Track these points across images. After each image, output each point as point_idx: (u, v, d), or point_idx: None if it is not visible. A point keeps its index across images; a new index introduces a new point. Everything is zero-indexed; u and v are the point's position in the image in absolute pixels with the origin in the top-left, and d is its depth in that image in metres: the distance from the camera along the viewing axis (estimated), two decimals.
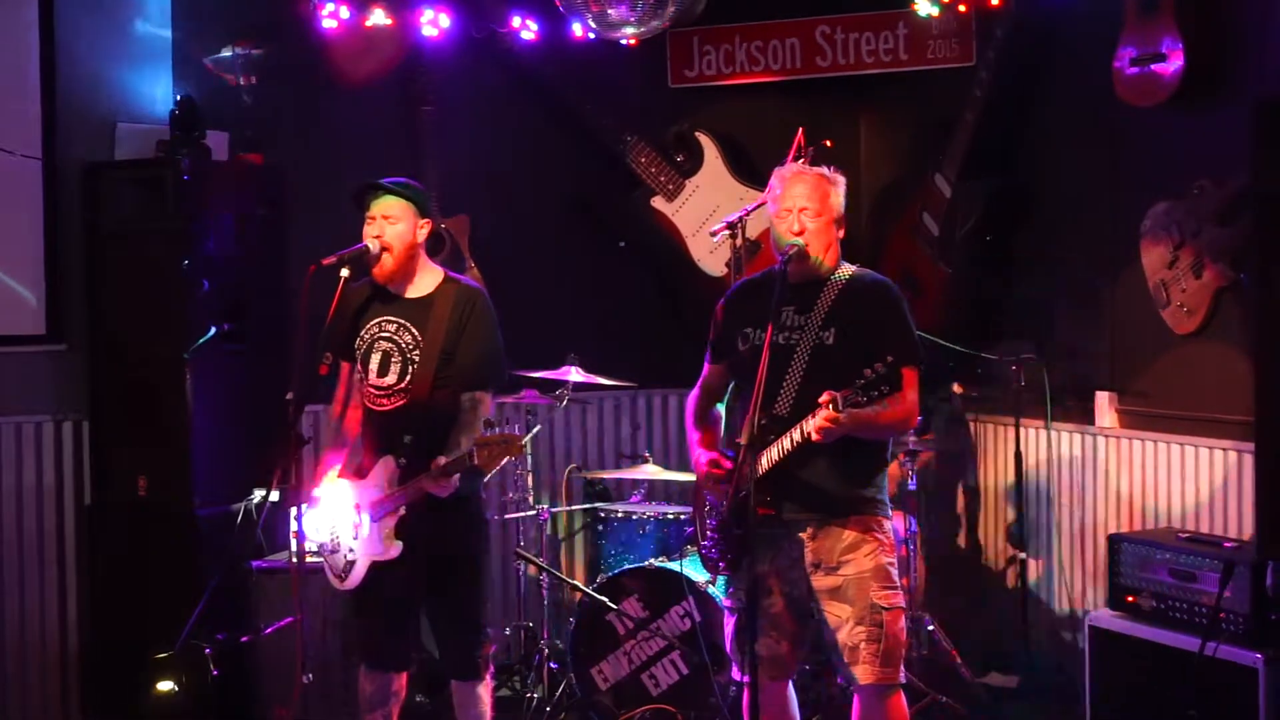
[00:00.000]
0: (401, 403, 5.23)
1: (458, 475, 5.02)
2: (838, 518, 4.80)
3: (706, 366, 5.19)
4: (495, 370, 5.33)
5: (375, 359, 5.27)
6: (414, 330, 5.24)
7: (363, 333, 5.32)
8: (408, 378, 5.22)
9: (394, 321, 5.28)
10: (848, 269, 4.93)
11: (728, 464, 4.87)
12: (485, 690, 5.36)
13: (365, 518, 5.18)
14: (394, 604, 5.32)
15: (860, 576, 4.76)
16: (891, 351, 4.47)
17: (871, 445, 4.85)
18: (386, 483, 5.15)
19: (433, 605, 5.37)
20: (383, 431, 5.26)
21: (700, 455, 5.03)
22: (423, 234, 5.29)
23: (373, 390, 5.29)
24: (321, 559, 5.41)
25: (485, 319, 5.30)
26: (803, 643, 5.01)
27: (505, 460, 4.99)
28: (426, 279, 5.34)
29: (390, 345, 5.26)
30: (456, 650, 5.35)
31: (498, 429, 5.00)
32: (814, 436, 4.53)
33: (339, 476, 5.36)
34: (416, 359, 5.21)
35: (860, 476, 4.84)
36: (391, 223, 5.21)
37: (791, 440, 4.65)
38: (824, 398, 4.48)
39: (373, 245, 5.20)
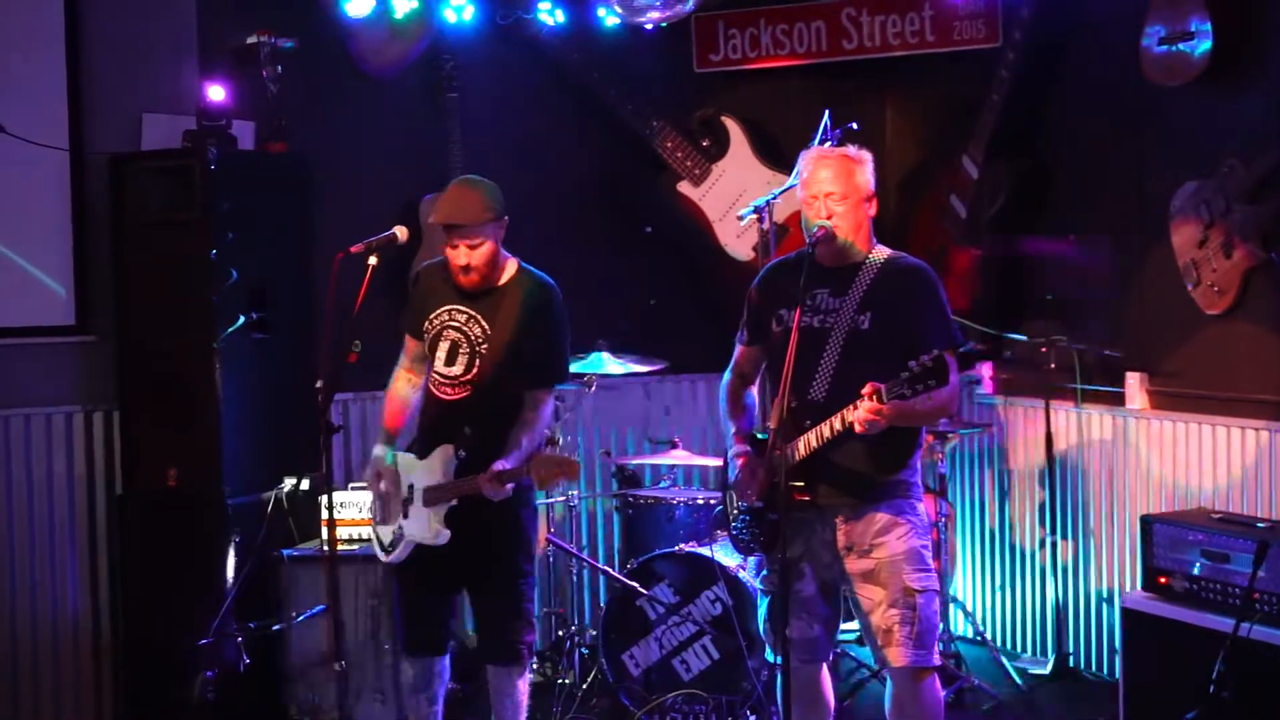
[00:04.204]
0: (466, 394, 5.21)
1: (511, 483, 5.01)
2: (871, 502, 4.78)
3: (739, 348, 5.14)
4: (558, 369, 5.35)
5: (443, 348, 5.25)
6: (484, 323, 5.22)
7: (431, 317, 5.30)
8: (474, 370, 5.20)
9: (464, 312, 5.26)
10: (882, 252, 4.89)
11: (762, 477, 4.85)
12: (523, 680, 5.34)
13: (419, 499, 5.19)
14: (436, 590, 5.33)
15: (893, 559, 4.74)
16: (931, 338, 4.42)
17: (906, 429, 4.80)
18: (443, 472, 5.14)
19: (479, 592, 5.36)
20: (445, 420, 5.25)
21: (737, 449, 5.00)
22: (503, 233, 5.27)
23: (438, 378, 5.27)
24: (371, 529, 5.42)
25: (555, 315, 5.30)
26: (835, 626, 5.02)
27: (560, 481, 5.00)
28: (501, 270, 5.31)
29: (459, 335, 5.24)
30: (499, 635, 5.31)
31: (557, 448, 4.97)
32: (857, 428, 4.51)
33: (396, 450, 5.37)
34: (484, 352, 5.19)
35: (894, 460, 4.80)
36: (477, 247, 5.19)
37: (831, 428, 4.63)
38: (867, 389, 4.44)
39: (454, 259, 5.17)
